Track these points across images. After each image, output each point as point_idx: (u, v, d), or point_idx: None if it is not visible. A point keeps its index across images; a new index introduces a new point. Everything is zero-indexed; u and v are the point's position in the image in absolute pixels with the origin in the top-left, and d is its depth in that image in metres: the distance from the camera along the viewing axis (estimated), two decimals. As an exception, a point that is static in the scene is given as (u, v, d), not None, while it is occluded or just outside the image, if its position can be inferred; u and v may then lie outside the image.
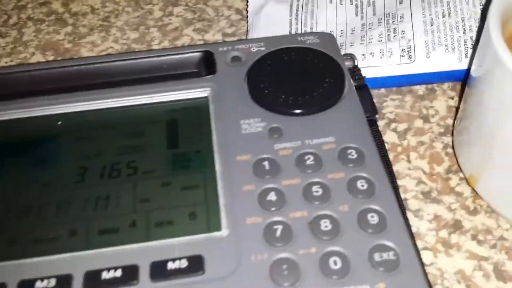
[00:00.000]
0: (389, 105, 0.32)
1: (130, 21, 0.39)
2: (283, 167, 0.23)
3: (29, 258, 0.20)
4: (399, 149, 0.30)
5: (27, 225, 0.22)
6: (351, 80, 0.27)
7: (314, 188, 0.22)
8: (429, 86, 0.33)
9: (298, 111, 0.25)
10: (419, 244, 0.26)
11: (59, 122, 0.25)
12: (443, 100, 0.32)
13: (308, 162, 0.23)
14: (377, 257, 0.20)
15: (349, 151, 0.23)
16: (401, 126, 0.31)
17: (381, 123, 0.31)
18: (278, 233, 0.20)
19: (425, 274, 0.20)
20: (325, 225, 0.21)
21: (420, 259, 0.20)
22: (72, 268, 0.20)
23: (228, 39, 0.37)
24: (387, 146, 0.30)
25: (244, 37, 0.36)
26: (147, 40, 0.37)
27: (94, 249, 0.20)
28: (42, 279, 0.19)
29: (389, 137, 0.30)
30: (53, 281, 0.19)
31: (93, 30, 0.38)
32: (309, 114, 0.25)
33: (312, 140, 0.24)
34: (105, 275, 0.19)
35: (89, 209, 0.22)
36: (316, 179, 0.22)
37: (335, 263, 0.19)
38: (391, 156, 0.29)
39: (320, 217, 0.21)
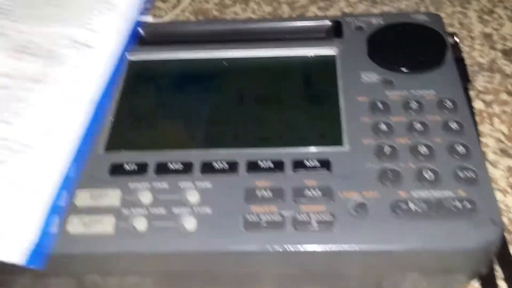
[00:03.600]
0: (480, 79, 0.38)
1: (265, -3, 0.47)
2: (392, 108, 0.30)
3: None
4: (485, 114, 0.36)
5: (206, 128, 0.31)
6: (451, 52, 0.33)
7: (415, 124, 0.29)
8: (518, 67, 0.39)
9: (406, 69, 0.32)
10: (493, 186, 0.32)
11: (225, 63, 0.34)
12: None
13: (412, 106, 0.30)
14: (461, 174, 0.26)
15: (445, 101, 0.30)
16: (488, 97, 0.37)
17: (472, 93, 0.37)
18: (385, 151, 0.28)
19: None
20: (423, 150, 0.28)
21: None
22: (238, 157, 0.28)
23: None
24: (474, 111, 0.36)
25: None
26: (278, 14, 0.45)
27: (253, 148, 0.29)
28: (217, 161, 0.28)
29: (477, 105, 0.37)
30: (225, 164, 0.28)
31: (236, 2, 0.47)
32: (415, 73, 0.32)
33: (416, 91, 0.31)
34: (261, 164, 0.28)
35: (245, 122, 0.30)
36: (418, 118, 0.29)
37: (428, 174, 0.26)
38: (477, 119, 0.36)
39: (419, 143, 0.28)
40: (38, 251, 0.19)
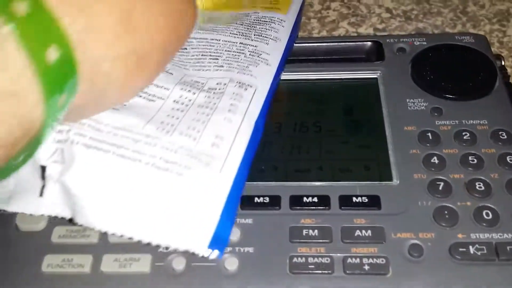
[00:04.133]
0: (525, 104, 0.36)
1: (293, 11, 0.45)
2: (443, 139, 0.28)
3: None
4: (532, 142, 0.34)
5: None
6: (500, 77, 0.31)
7: (470, 157, 0.27)
8: None
9: (455, 96, 0.30)
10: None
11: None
12: None
13: (464, 137, 0.28)
14: (522, 214, 0.25)
15: (500, 133, 0.28)
16: (535, 123, 0.35)
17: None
18: (440, 188, 0.26)
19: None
20: (479, 186, 0.26)
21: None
22: (280, 191, 0.26)
23: (379, 34, 0.43)
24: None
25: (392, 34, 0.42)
26: (308, 29, 0.44)
27: (296, 182, 0.27)
28: (258, 195, 0.26)
29: (523, 131, 0.35)
30: (267, 199, 0.26)
31: (263, 16, 0.45)
32: (465, 100, 0.30)
33: (468, 121, 0.29)
34: (305, 200, 0.26)
35: (286, 153, 0.29)
36: (471, 151, 0.27)
37: (487, 214, 0.25)
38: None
39: (475, 180, 0.26)
40: (218, 242, 0.22)
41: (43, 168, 0.23)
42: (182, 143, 0.24)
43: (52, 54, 0.17)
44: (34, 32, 0.16)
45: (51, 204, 0.23)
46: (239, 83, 0.27)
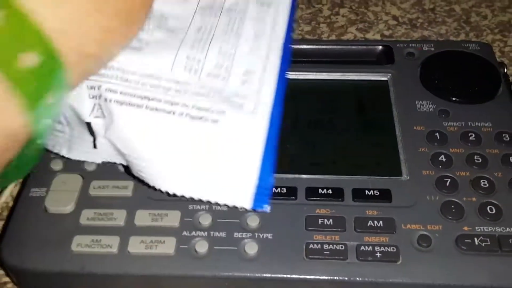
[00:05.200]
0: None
1: (303, 16, 0.47)
2: (450, 139, 0.30)
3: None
4: (531, 146, 0.36)
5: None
6: (504, 84, 0.33)
7: (475, 157, 0.29)
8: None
9: (462, 99, 0.32)
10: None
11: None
12: None
13: (470, 138, 0.30)
14: (524, 211, 0.26)
15: (503, 135, 0.30)
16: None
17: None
18: (447, 184, 0.28)
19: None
20: (484, 183, 0.27)
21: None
22: (297, 183, 0.28)
23: (386, 39, 0.44)
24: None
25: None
26: (318, 33, 0.45)
27: (311, 175, 0.28)
28: (275, 186, 0.28)
29: (522, 136, 0.37)
30: (284, 189, 0.28)
31: (275, 19, 0.47)
32: (470, 103, 0.32)
33: (473, 123, 0.30)
34: (321, 191, 0.28)
35: (302, 147, 0.30)
36: (477, 151, 0.29)
37: (490, 209, 0.26)
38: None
39: (480, 177, 0.28)
40: (262, 195, 0.23)
41: (88, 125, 0.24)
42: (212, 84, 0.23)
43: (28, 59, 0.15)
44: (3, 41, 0.15)
45: (106, 154, 0.25)
46: (259, 2, 0.27)
